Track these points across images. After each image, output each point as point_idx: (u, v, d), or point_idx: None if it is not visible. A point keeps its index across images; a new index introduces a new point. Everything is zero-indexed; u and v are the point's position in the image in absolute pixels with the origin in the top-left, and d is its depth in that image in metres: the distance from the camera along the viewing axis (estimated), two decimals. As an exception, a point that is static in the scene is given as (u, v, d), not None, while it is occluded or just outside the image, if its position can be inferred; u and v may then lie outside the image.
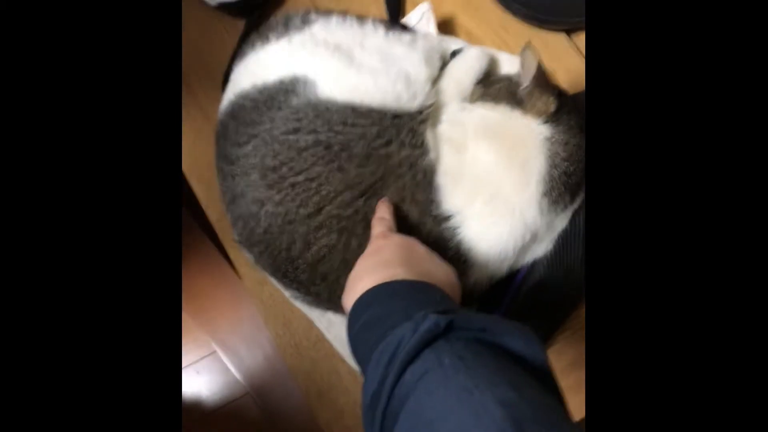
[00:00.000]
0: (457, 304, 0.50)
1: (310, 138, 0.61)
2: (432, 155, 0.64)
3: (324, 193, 0.60)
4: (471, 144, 0.65)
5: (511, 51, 0.82)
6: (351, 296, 0.52)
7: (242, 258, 0.76)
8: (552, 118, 0.64)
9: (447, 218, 0.62)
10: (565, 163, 0.63)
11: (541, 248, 0.66)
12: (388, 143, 0.62)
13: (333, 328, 0.72)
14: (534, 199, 0.63)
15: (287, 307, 0.75)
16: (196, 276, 1.50)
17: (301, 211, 0.60)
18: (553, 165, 0.63)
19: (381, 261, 0.53)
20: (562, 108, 0.64)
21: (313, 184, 0.60)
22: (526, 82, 0.64)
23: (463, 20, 0.84)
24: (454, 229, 0.62)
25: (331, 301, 0.63)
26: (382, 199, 0.62)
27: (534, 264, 0.68)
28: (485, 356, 0.40)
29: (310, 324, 0.74)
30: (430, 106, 0.66)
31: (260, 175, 0.62)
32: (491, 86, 0.68)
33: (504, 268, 0.66)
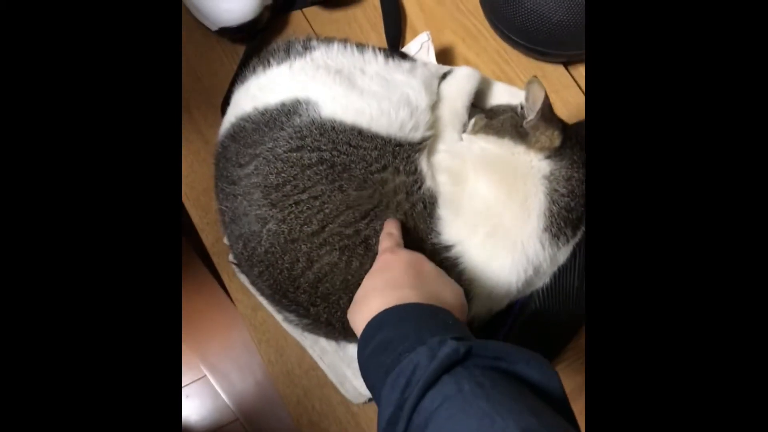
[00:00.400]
0: (467, 329, 0.50)
1: (314, 156, 0.61)
2: (429, 183, 0.64)
3: (327, 211, 0.60)
4: (471, 176, 0.65)
5: (510, 81, 0.83)
6: (359, 316, 0.52)
7: (236, 283, 0.75)
8: (555, 153, 0.64)
9: (448, 248, 0.62)
10: (566, 199, 0.63)
11: (542, 281, 0.66)
12: (384, 168, 0.62)
13: (326, 356, 0.71)
14: (535, 234, 0.62)
15: (280, 334, 0.74)
16: (189, 299, 1.49)
17: (306, 228, 0.60)
18: (552, 201, 0.63)
19: (390, 280, 0.53)
20: (566, 142, 0.64)
21: (317, 202, 0.60)
22: (531, 115, 0.64)
23: (462, 50, 0.85)
24: (455, 259, 0.62)
25: (329, 324, 0.63)
26: (391, 218, 0.62)
27: (531, 295, 0.67)
28: (503, 383, 0.40)
29: (303, 352, 0.73)
30: (430, 136, 0.66)
31: (263, 194, 0.61)
32: (495, 117, 0.68)
33: (504, 303, 0.65)
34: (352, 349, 0.70)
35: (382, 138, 0.63)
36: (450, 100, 0.71)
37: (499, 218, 0.62)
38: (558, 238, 0.63)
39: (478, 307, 0.63)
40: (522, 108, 0.66)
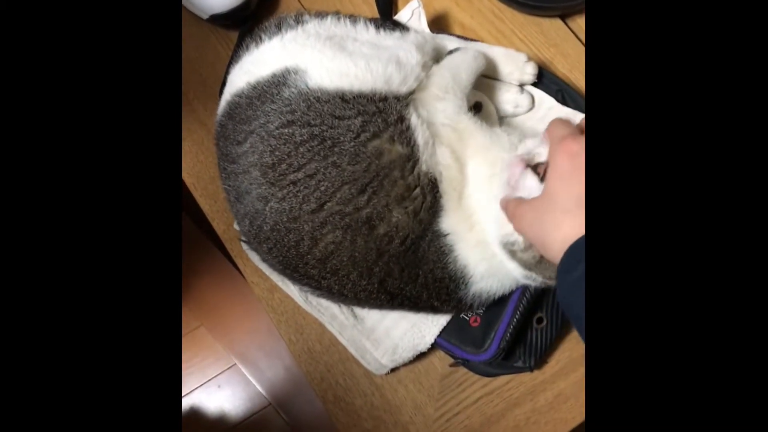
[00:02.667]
0: None
1: (305, 132, 0.61)
2: (425, 164, 0.62)
3: (323, 188, 0.60)
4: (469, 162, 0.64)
5: (508, 40, 0.82)
6: (556, 232, 0.49)
7: (251, 266, 0.76)
8: None
9: (445, 235, 0.62)
10: None
11: None
12: (375, 136, 0.61)
13: (345, 331, 0.72)
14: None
15: (298, 312, 0.75)
16: (211, 290, 1.51)
17: (305, 207, 0.60)
18: None
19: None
20: None
21: (312, 181, 0.60)
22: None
23: (456, 13, 0.84)
24: (451, 245, 0.62)
25: (342, 294, 0.63)
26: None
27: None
28: None
29: (322, 328, 0.74)
30: (413, 90, 0.65)
31: (261, 172, 0.62)
32: None
33: (507, 289, 0.65)
34: (369, 320, 0.71)
35: (366, 96, 0.62)
36: (453, 66, 0.69)
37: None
38: None
39: (477, 287, 0.63)
40: None
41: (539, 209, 0.52)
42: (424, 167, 0.61)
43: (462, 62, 0.70)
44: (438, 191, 0.62)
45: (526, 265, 0.58)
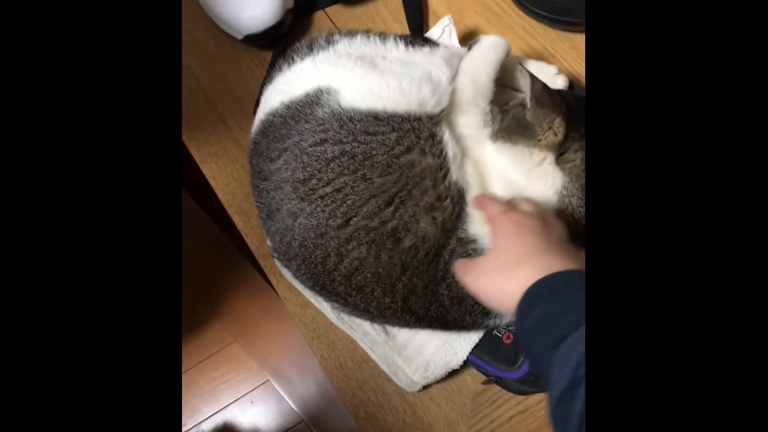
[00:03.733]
0: None
1: (337, 149, 0.62)
2: (455, 174, 0.63)
3: (350, 202, 0.61)
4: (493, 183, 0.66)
5: (539, 56, 0.82)
6: (509, 286, 0.52)
7: (284, 283, 0.77)
8: (564, 149, 0.64)
9: (473, 241, 0.62)
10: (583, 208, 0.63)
11: None
12: (409, 150, 0.62)
13: (377, 347, 0.72)
14: None
15: (330, 329, 0.75)
16: (245, 307, 1.52)
17: (331, 222, 0.61)
18: (570, 214, 0.63)
19: (531, 246, 0.54)
20: (573, 129, 0.64)
21: (340, 195, 0.61)
22: (528, 104, 0.64)
23: (487, 29, 0.84)
24: (481, 250, 0.62)
25: (367, 311, 0.64)
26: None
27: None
28: None
29: (354, 345, 0.74)
30: (447, 106, 0.66)
31: (292, 188, 0.63)
32: (505, 117, 0.67)
33: None
34: (401, 337, 0.71)
35: (400, 116, 0.63)
36: (472, 73, 0.69)
37: None
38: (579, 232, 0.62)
39: None
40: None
41: (491, 268, 0.56)
42: (454, 177, 0.63)
43: (480, 62, 0.70)
44: (465, 201, 0.63)
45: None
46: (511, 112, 0.67)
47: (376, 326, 0.71)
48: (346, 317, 0.72)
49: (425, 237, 0.61)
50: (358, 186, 0.61)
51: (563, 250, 0.55)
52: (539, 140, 0.64)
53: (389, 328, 0.71)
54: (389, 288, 0.62)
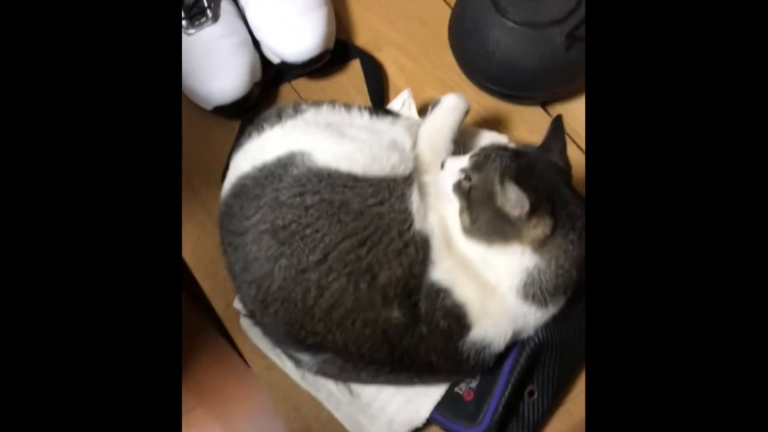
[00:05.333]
0: None
1: (316, 197, 0.66)
2: (418, 225, 0.67)
3: (327, 241, 0.64)
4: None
5: (492, 127, 0.87)
6: None
7: (249, 345, 0.78)
8: (546, 242, 0.64)
9: (440, 286, 0.65)
10: (551, 278, 0.65)
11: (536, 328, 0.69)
12: (381, 203, 0.67)
13: (341, 407, 0.73)
14: (514, 305, 0.66)
15: (296, 390, 0.76)
16: (210, 371, 1.50)
17: (311, 258, 0.64)
18: (533, 281, 0.65)
19: None
20: (559, 223, 0.64)
21: (318, 234, 0.65)
22: (515, 210, 0.63)
23: (443, 103, 0.90)
24: (448, 288, 0.65)
25: (346, 349, 0.65)
26: None
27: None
28: None
29: (320, 406, 0.75)
30: (413, 170, 0.71)
31: (272, 235, 0.66)
32: (475, 212, 0.66)
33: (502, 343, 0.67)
34: (365, 396, 0.72)
35: (378, 178, 0.68)
36: (431, 136, 0.75)
37: (485, 280, 0.66)
38: (543, 303, 0.66)
39: (473, 333, 0.65)
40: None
41: None
42: (417, 227, 0.67)
43: (439, 125, 0.76)
44: (430, 247, 0.67)
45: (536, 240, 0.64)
46: (484, 216, 0.65)
47: (341, 386, 0.73)
48: (310, 378, 0.74)
49: (398, 277, 0.64)
50: (334, 227, 0.65)
51: None
52: (522, 237, 0.64)
53: (354, 387, 0.73)
54: (371, 321, 0.64)
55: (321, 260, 0.64)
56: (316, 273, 0.64)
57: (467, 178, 0.66)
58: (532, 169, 0.65)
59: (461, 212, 0.67)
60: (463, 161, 0.68)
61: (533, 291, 0.65)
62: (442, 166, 0.70)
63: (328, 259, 0.64)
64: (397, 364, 0.66)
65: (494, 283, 0.66)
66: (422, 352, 0.65)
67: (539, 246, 0.64)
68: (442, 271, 0.66)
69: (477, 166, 0.67)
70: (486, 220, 0.65)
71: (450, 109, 0.76)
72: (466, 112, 0.77)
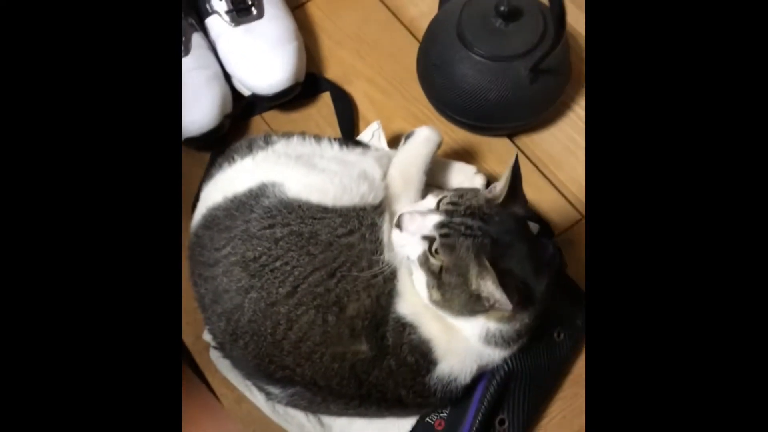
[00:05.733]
0: None
1: (286, 230, 0.66)
2: (387, 256, 0.68)
3: (297, 273, 0.65)
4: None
5: (460, 157, 0.89)
6: None
7: (218, 378, 0.77)
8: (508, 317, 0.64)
9: (405, 316, 0.66)
10: (511, 332, 0.66)
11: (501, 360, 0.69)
12: (351, 233, 0.67)
13: (312, 439, 0.73)
14: (477, 347, 0.66)
15: (266, 423, 0.75)
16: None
17: (280, 290, 0.64)
18: (496, 334, 0.66)
19: None
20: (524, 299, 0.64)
21: (288, 267, 0.65)
22: (493, 305, 0.62)
23: (412, 134, 0.91)
24: (414, 327, 0.65)
25: (314, 383, 0.65)
26: None
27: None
28: None
29: (290, 438, 0.74)
30: (384, 198, 0.72)
31: (242, 267, 0.66)
32: (446, 291, 0.63)
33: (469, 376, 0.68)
34: (336, 428, 0.72)
35: (347, 207, 0.68)
36: (403, 166, 0.76)
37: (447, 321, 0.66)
38: (507, 346, 0.67)
39: (440, 368, 0.66)
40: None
41: None
42: (386, 257, 0.68)
43: (411, 156, 0.77)
44: (397, 278, 0.67)
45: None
46: (459, 298, 0.63)
47: (311, 418, 0.72)
48: (281, 410, 0.73)
49: (366, 308, 0.65)
50: (303, 259, 0.65)
51: None
52: (489, 315, 0.64)
53: (325, 419, 0.72)
54: (339, 355, 0.64)
55: (290, 293, 0.64)
56: (286, 306, 0.64)
57: (435, 253, 0.62)
58: (503, 245, 0.62)
59: (429, 287, 0.64)
60: (425, 221, 0.63)
61: (495, 339, 0.66)
62: (398, 223, 0.65)
63: (298, 292, 0.64)
64: (365, 398, 0.66)
65: (458, 328, 0.66)
66: (391, 386, 0.65)
67: (502, 318, 0.65)
68: (408, 305, 0.66)
69: (447, 246, 0.61)
70: (458, 301, 0.63)
71: (423, 141, 0.78)
72: (439, 145, 0.79)
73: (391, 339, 0.65)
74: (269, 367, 0.66)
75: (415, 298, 0.67)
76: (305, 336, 0.64)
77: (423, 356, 0.65)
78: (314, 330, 0.64)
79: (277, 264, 0.65)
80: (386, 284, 0.67)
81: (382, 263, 0.67)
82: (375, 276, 0.66)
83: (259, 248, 0.66)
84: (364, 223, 0.68)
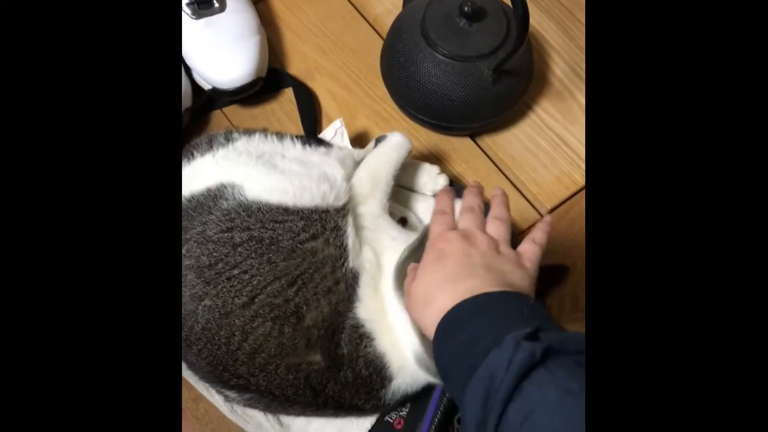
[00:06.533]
0: (545, 313, 0.47)
1: (245, 234, 0.64)
2: (352, 262, 0.67)
3: (255, 282, 0.63)
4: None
5: (423, 157, 0.89)
6: (428, 316, 0.51)
7: (175, 377, 0.76)
8: None
9: (362, 325, 0.65)
10: None
11: None
12: (314, 237, 0.66)
13: (271, 439, 0.72)
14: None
15: (224, 422, 0.74)
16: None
17: (237, 301, 0.63)
18: None
19: (452, 272, 0.53)
20: None
21: (246, 276, 0.63)
22: None
23: (375, 132, 0.91)
24: (370, 334, 0.65)
25: (270, 392, 0.64)
26: (445, 189, 0.64)
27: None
28: None
29: (248, 438, 0.74)
30: (348, 200, 0.71)
31: (196, 274, 0.64)
32: None
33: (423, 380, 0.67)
34: (295, 427, 0.71)
35: (308, 209, 0.67)
36: (372, 168, 0.75)
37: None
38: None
39: (395, 383, 0.66)
40: None
41: (413, 302, 0.58)
42: (350, 264, 0.67)
43: (382, 159, 0.76)
44: (358, 284, 0.66)
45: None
46: None
47: (270, 417, 0.71)
48: (239, 410, 0.72)
49: (324, 317, 0.64)
50: (263, 268, 0.63)
51: (482, 271, 0.53)
52: None
53: (284, 419, 0.72)
54: (294, 366, 0.63)
55: (247, 303, 0.63)
56: (241, 318, 0.63)
57: None
58: None
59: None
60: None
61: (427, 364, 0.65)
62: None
63: (255, 303, 0.63)
64: (322, 406, 0.66)
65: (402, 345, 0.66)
66: (347, 396, 0.65)
67: None
68: (366, 311, 0.66)
69: None
70: None
71: (395, 146, 0.77)
72: (409, 152, 0.79)
73: (347, 348, 0.64)
74: (223, 375, 0.65)
75: (374, 302, 0.66)
76: (260, 348, 0.63)
77: (377, 372, 0.65)
78: (270, 342, 0.63)
79: (235, 272, 0.63)
80: (347, 290, 0.66)
81: (346, 269, 0.66)
82: (337, 282, 0.65)
83: (215, 254, 0.64)
84: (327, 226, 0.67)
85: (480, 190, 0.68)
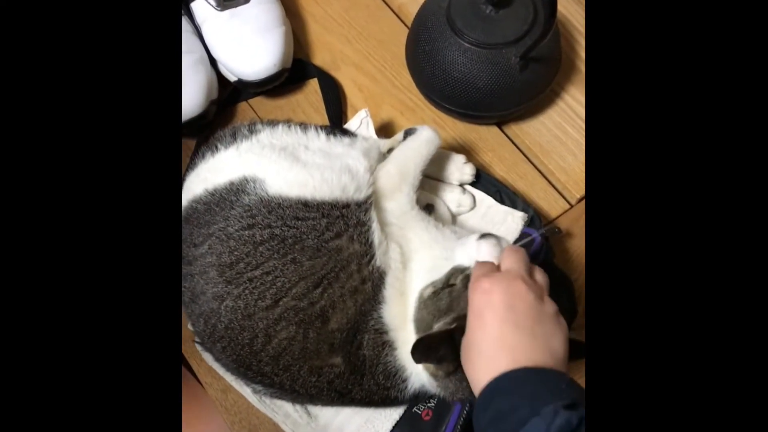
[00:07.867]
0: (580, 389, 0.49)
1: (266, 233, 0.64)
2: (378, 260, 0.66)
3: (279, 284, 0.62)
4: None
5: (449, 146, 0.88)
6: (479, 372, 0.52)
7: (204, 367, 0.76)
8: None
9: (386, 332, 0.65)
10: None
11: None
12: (338, 236, 0.65)
13: (299, 429, 0.72)
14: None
15: (252, 412, 0.75)
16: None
17: (260, 303, 0.62)
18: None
19: (505, 336, 0.52)
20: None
21: (269, 277, 0.63)
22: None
23: (401, 122, 0.90)
24: (392, 343, 0.65)
25: (294, 390, 0.64)
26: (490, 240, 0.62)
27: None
28: None
29: (277, 428, 0.74)
30: (372, 193, 0.70)
31: (218, 272, 0.64)
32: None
33: None
34: (323, 418, 0.72)
35: (328, 203, 0.66)
36: (401, 162, 0.74)
37: None
38: None
39: (419, 384, 0.65)
40: None
41: (464, 346, 0.56)
42: (377, 262, 0.66)
43: (411, 154, 0.75)
44: (384, 284, 0.65)
45: (432, 374, 0.63)
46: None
47: (298, 407, 0.72)
48: (267, 400, 0.73)
49: (349, 319, 0.63)
50: (287, 268, 0.63)
51: (530, 338, 0.52)
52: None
53: (311, 408, 0.72)
54: (316, 369, 0.63)
55: (270, 306, 0.62)
56: (264, 321, 0.62)
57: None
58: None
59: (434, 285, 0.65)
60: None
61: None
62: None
63: (279, 306, 0.62)
64: (348, 403, 0.66)
65: None
66: (372, 398, 0.65)
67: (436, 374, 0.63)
68: (391, 317, 0.65)
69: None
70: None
71: (425, 141, 0.76)
72: (438, 147, 0.77)
73: (368, 351, 0.64)
74: (248, 373, 0.65)
75: (399, 308, 0.65)
76: (284, 351, 0.63)
77: (401, 380, 0.65)
78: (294, 346, 0.62)
79: (257, 273, 0.63)
80: (374, 290, 0.65)
81: (372, 267, 0.65)
82: (364, 282, 0.65)
83: (236, 252, 0.64)
84: (350, 223, 0.66)
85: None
